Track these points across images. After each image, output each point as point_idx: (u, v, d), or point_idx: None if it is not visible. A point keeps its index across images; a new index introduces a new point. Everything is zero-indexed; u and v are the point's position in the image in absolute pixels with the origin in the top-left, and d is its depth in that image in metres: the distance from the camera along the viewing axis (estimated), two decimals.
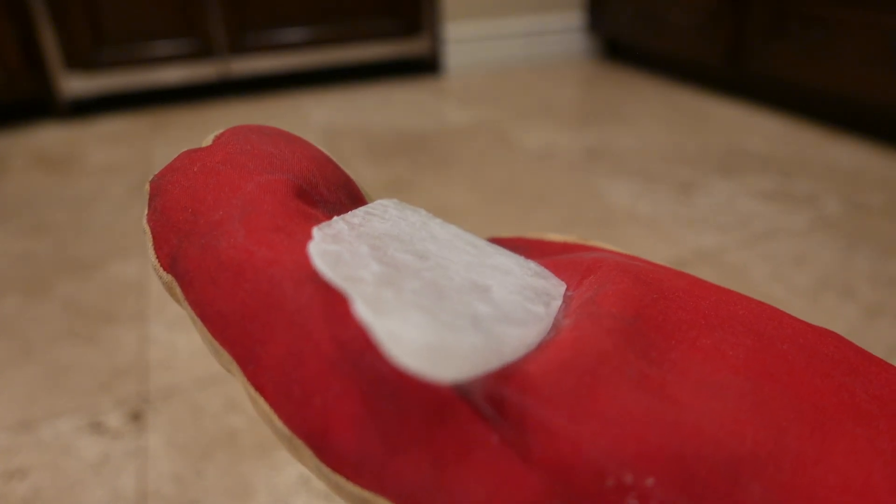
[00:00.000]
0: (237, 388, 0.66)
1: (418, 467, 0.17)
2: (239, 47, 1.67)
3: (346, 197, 0.26)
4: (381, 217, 0.22)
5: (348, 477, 0.18)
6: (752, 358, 0.19)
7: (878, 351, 0.68)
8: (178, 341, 0.73)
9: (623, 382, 0.17)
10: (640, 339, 0.19)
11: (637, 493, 0.15)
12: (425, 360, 0.15)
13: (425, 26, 1.82)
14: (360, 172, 1.20)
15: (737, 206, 1.01)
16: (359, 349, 0.18)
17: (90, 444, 0.59)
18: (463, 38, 1.90)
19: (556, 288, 0.22)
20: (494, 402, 0.17)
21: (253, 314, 0.19)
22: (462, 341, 0.16)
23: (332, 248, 0.18)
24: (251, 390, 0.19)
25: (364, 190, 0.28)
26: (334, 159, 0.27)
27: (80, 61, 1.54)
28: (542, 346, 0.18)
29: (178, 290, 0.22)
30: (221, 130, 0.26)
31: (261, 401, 0.19)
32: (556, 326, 0.20)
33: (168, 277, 0.22)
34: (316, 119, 1.52)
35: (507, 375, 0.17)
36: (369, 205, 0.24)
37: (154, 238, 0.23)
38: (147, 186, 0.24)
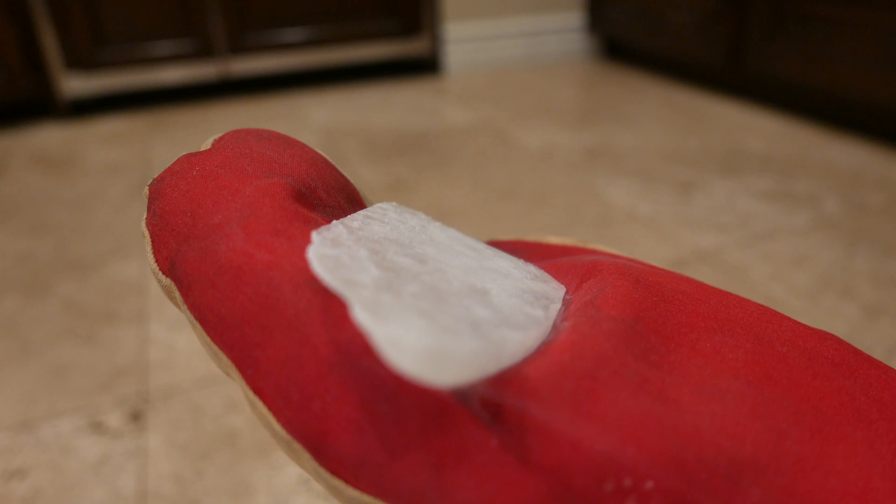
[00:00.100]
0: (237, 388, 0.66)
1: (417, 471, 0.17)
2: (239, 47, 1.66)
3: (345, 200, 0.26)
4: (381, 221, 0.22)
5: (347, 481, 0.18)
6: (751, 361, 0.19)
7: (878, 351, 0.68)
8: (178, 341, 0.73)
9: (623, 385, 0.17)
10: (639, 342, 0.19)
11: (636, 497, 0.15)
12: (424, 364, 0.15)
13: (425, 26, 1.82)
14: (360, 172, 1.20)
15: (737, 206, 1.01)
16: (357, 353, 0.18)
17: (90, 444, 0.59)
18: (463, 38, 1.90)
19: (555, 291, 0.22)
20: (493, 405, 0.17)
21: (252, 318, 0.19)
22: (461, 345, 0.16)
23: (331, 252, 0.18)
24: (250, 394, 0.19)
25: (363, 193, 0.28)
26: (333, 162, 0.27)
27: (80, 61, 1.54)
28: (541, 350, 0.18)
29: (176, 294, 0.22)
30: (220, 134, 0.26)
31: (259, 404, 0.19)
32: (555, 329, 0.20)
33: (167, 281, 0.22)
34: (316, 119, 1.52)
35: (505, 379, 0.17)
36: (368, 208, 0.24)
37: (153, 241, 0.23)
38: (146, 190, 0.24)
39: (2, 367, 0.70)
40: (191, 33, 1.62)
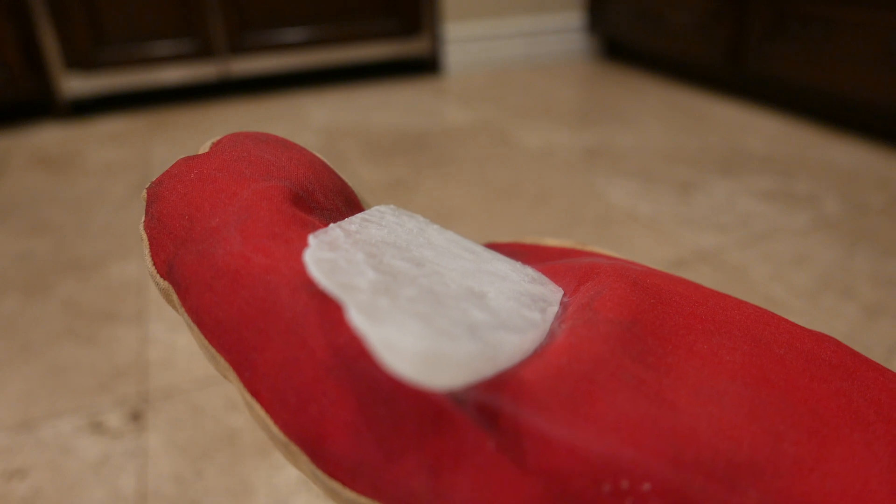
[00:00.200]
0: (236, 390, 0.66)
1: (414, 473, 0.17)
2: (239, 47, 1.67)
3: (343, 203, 0.26)
4: (378, 224, 0.22)
5: (344, 483, 0.18)
6: (749, 363, 0.19)
7: (878, 351, 0.68)
8: (178, 341, 0.73)
9: (620, 387, 0.17)
10: (637, 344, 0.19)
11: (634, 498, 0.15)
12: (420, 368, 0.15)
13: (425, 26, 1.82)
14: (359, 172, 1.20)
15: (737, 206, 1.01)
16: (354, 356, 0.18)
17: (90, 444, 0.60)
18: (463, 38, 1.90)
19: (553, 294, 0.22)
20: (489, 408, 0.17)
21: (249, 321, 0.19)
22: (457, 349, 0.16)
23: (328, 255, 0.18)
24: (247, 396, 0.19)
25: (361, 196, 0.28)
26: (331, 164, 0.27)
27: (80, 61, 1.54)
28: (538, 353, 0.18)
29: (174, 297, 0.22)
30: (218, 137, 0.26)
31: (257, 407, 0.19)
32: (552, 332, 0.20)
33: (165, 284, 0.22)
34: (316, 119, 1.52)
35: (502, 382, 0.17)
36: (366, 211, 0.24)
37: (151, 244, 0.23)
38: (144, 193, 0.24)
39: (2, 367, 0.70)
40: (191, 33, 1.62)
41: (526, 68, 1.93)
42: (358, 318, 0.15)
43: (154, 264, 0.22)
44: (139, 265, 0.91)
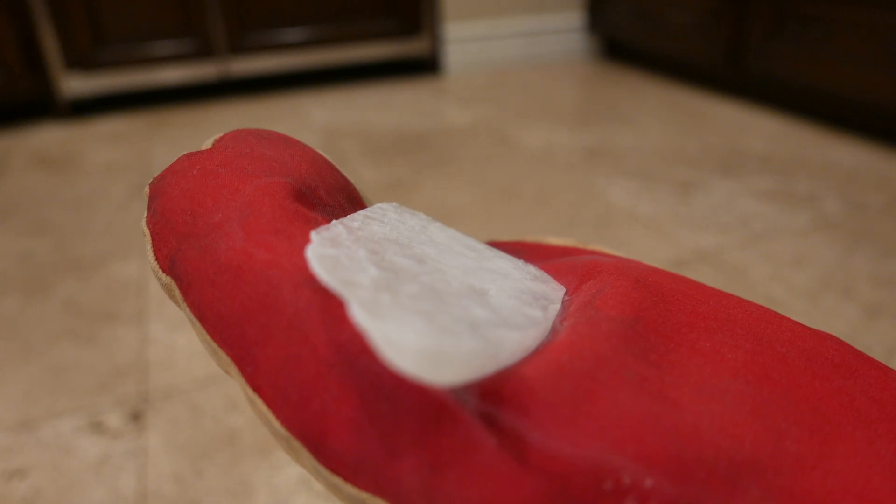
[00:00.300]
0: (237, 388, 0.66)
1: (416, 470, 0.17)
2: (239, 47, 1.67)
3: (345, 200, 0.26)
4: (380, 221, 0.22)
5: (346, 478, 0.18)
6: (751, 361, 0.19)
7: (878, 351, 0.68)
8: (178, 341, 0.73)
9: (622, 385, 0.17)
10: (639, 342, 0.19)
11: (635, 495, 0.15)
12: (422, 364, 0.15)
13: (425, 26, 1.82)
14: (360, 172, 1.20)
15: (737, 206, 1.01)
16: (356, 352, 0.18)
17: (90, 444, 0.59)
18: (463, 38, 1.90)
19: (554, 292, 0.22)
20: (491, 406, 0.17)
21: (251, 316, 0.19)
22: (459, 346, 0.16)
23: (330, 252, 0.18)
24: (249, 392, 0.20)
25: (363, 193, 0.28)
26: (333, 162, 0.27)
27: (80, 61, 1.54)
28: (540, 350, 0.18)
29: (176, 292, 0.22)
30: (221, 134, 0.26)
31: (259, 402, 0.19)
32: (554, 330, 0.20)
33: (167, 279, 0.22)
34: (316, 119, 1.52)
35: (504, 379, 0.17)
36: (368, 208, 0.24)
37: (153, 240, 0.23)
38: (146, 189, 0.24)
39: (2, 367, 0.70)
40: (191, 33, 1.62)
41: (526, 68, 1.93)
42: (360, 315, 0.15)
43: (156, 259, 0.22)
44: (139, 265, 0.91)
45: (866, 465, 0.17)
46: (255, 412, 0.20)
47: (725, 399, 0.18)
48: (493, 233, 0.95)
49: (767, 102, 1.49)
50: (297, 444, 0.19)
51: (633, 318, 0.20)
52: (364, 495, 0.18)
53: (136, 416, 0.63)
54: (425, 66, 1.97)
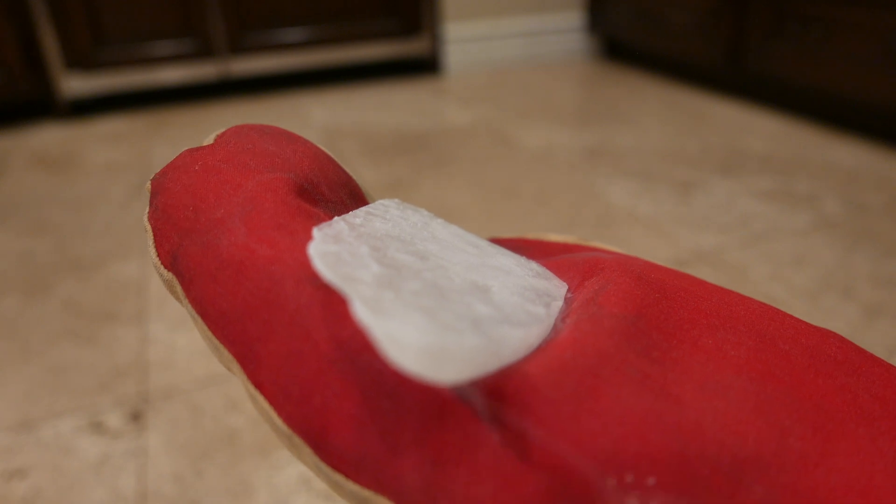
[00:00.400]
0: (237, 388, 0.66)
1: (418, 467, 0.17)
2: (239, 47, 1.67)
3: (348, 196, 0.26)
4: (383, 217, 0.22)
5: (348, 475, 0.18)
6: (754, 358, 0.19)
7: (878, 351, 0.67)
8: (178, 341, 0.73)
9: (624, 382, 0.17)
10: (641, 339, 0.19)
11: (638, 493, 0.15)
12: (424, 362, 0.15)
13: (425, 26, 1.82)
14: (360, 172, 1.20)
15: (737, 206, 1.01)
16: (357, 348, 0.18)
17: (90, 444, 0.59)
18: (463, 38, 1.90)
19: (557, 289, 0.22)
20: (494, 403, 0.17)
21: (253, 312, 0.19)
22: (461, 343, 0.16)
23: (333, 248, 0.18)
24: (251, 388, 0.19)
25: (365, 189, 0.28)
26: (335, 159, 0.27)
27: (80, 61, 1.54)
28: (542, 347, 0.18)
29: (178, 288, 0.22)
30: (223, 129, 0.26)
31: (260, 399, 0.19)
32: (556, 327, 0.20)
33: (169, 275, 0.22)
34: (316, 119, 1.52)
35: (506, 376, 0.17)
36: (370, 205, 0.24)
37: (155, 236, 0.23)
38: (148, 184, 0.24)
39: (2, 367, 0.70)
40: (191, 33, 1.62)
41: (526, 68, 1.93)
42: (362, 312, 0.15)
43: (158, 255, 0.22)
44: (139, 265, 0.90)
45: (869, 462, 0.17)
46: (256, 409, 0.20)
47: (728, 396, 0.17)
48: (493, 232, 0.95)
49: (767, 102, 1.49)
50: (298, 440, 0.19)
51: (636, 314, 0.20)
52: (366, 492, 0.18)
53: (136, 416, 0.63)
54: (425, 66, 1.97)
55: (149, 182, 0.24)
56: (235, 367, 0.20)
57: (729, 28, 1.44)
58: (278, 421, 0.19)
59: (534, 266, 0.24)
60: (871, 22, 1.14)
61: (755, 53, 1.39)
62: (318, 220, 0.22)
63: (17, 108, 1.63)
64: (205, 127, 1.50)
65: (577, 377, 0.17)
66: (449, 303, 0.18)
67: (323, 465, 0.18)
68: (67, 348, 0.73)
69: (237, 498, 0.53)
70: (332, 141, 1.37)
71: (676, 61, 1.75)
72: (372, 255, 0.19)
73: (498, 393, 0.17)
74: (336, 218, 0.21)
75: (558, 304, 0.21)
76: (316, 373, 0.18)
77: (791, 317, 0.21)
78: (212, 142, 0.25)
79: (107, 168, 1.28)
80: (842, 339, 0.21)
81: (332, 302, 0.19)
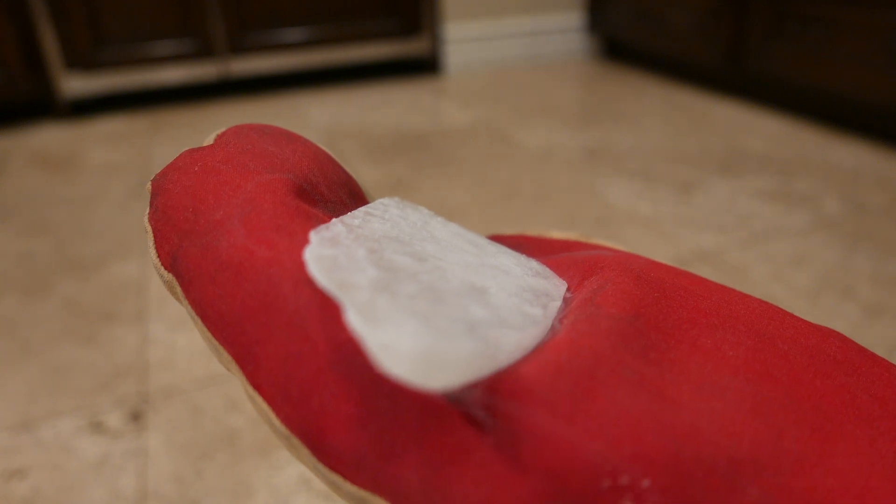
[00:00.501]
0: (237, 388, 0.66)
1: (415, 468, 0.17)
2: (239, 47, 1.67)
3: (347, 195, 0.26)
4: (382, 217, 0.22)
5: (345, 476, 0.18)
6: (752, 358, 0.19)
7: (878, 351, 0.67)
8: (178, 341, 0.73)
9: (620, 384, 0.17)
10: (639, 340, 0.19)
11: (633, 495, 0.15)
12: (416, 369, 0.15)
13: (425, 26, 1.82)
14: (359, 172, 1.20)
15: (737, 206, 1.01)
16: (355, 350, 0.18)
17: (90, 444, 0.59)
18: (463, 38, 1.90)
19: (556, 288, 0.22)
20: (488, 406, 0.17)
21: (252, 314, 0.20)
22: (455, 348, 0.16)
23: (329, 252, 0.18)
24: (250, 389, 0.20)
25: (365, 188, 0.28)
26: (335, 158, 0.27)
27: (80, 61, 1.54)
28: (538, 349, 0.18)
29: (178, 289, 0.22)
30: (223, 129, 0.26)
31: (259, 400, 0.19)
32: (554, 328, 0.20)
33: (169, 276, 0.22)
34: (316, 119, 1.52)
35: (501, 380, 0.17)
36: (370, 204, 0.24)
37: (155, 237, 0.23)
38: (149, 185, 0.24)
39: (2, 367, 0.70)
40: (191, 33, 1.62)
41: (526, 68, 1.93)
42: (356, 320, 0.15)
43: (158, 256, 0.22)
44: (139, 265, 0.91)
45: (867, 463, 0.17)
46: (255, 409, 0.20)
47: (725, 397, 0.17)
48: (494, 232, 0.95)
49: (767, 102, 1.49)
50: (296, 441, 0.19)
51: (634, 315, 0.20)
52: (363, 493, 0.18)
53: (136, 416, 0.63)
54: (425, 66, 1.97)
55: (149, 183, 0.24)
56: (234, 368, 0.20)
57: (729, 28, 1.44)
58: (277, 422, 0.19)
59: (533, 265, 0.24)
60: (871, 22, 1.14)
61: (755, 53, 1.39)
62: (317, 221, 0.22)
63: (17, 108, 1.63)
64: (205, 127, 1.50)
65: (573, 379, 0.17)
66: (445, 306, 0.18)
67: (321, 466, 0.18)
68: (67, 348, 0.73)
69: (237, 498, 0.53)
70: (332, 141, 1.37)
71: (676, 61, 1.75)
72: (369, 258, 0.19)
73: (493, 395, 0.17)
74: (334, 220, 0.21)
75: (556, 304, 0.21)
76: (314, 374, 0.18)
77: (792, 315, 0.21)
78: (212, 142, 0.25)
79: (107, 168, 1.28)
80: (843, 339, 0.20)
81: (330, 304, 0.19)
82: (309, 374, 0.18)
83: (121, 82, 1.60)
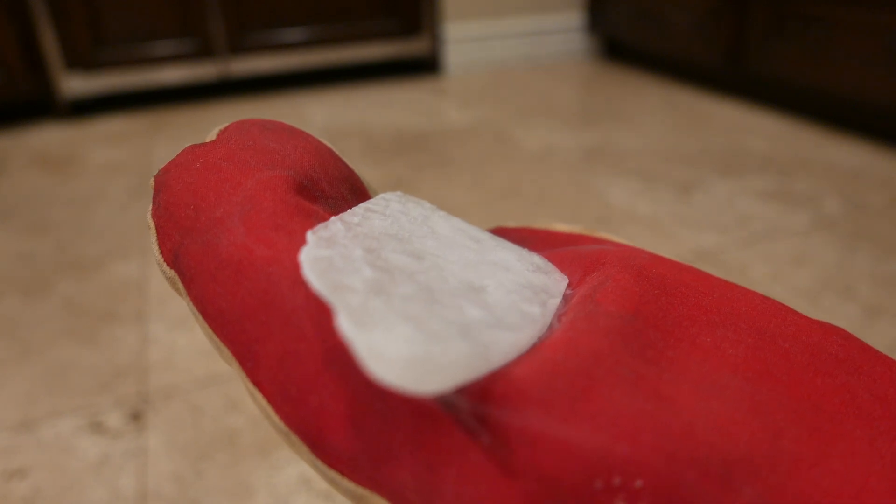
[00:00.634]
0: (237, 388, 0.66)
1: (411, 468, 0.17)
2: (239, 47, 1.67)
3: (349, 191, 0.26)
4: (382, 213, 0.22)
5: (344, 473, 0.18)
6: (752, 356, 0.19)
7: None
8: (178, 341, 0.73)
9: (617, 383, 0.17)
10: (637, 338, 0.19)
11: (625, 495, 0.15)
12: (406, 375, 0.15)
13: (425, 26, 1.82)
14: (360, 172, 1.20)
15: (737, 206, 1.01)
16: (348, 352, 0.18)
17: (90, 444, 0.59)
18: (463, 38, 1.90)
19: (556, 284, 0.22)
20: (482, 406, 0.17)
21: (251, 312, 0.20)
22: (448, 351, 0.16)
23: (325, 253, 0.18)
24: (250, 386, 0.20)
25: (367, 182, 0.28)
26: (337, 153, 0.27)
27: (80, 61, 1.54)
28: (535, 348, 0.18)
29: (180, 286, 0.22)
30: (226, 125, 0.26)
31: (259, 397, 0.19)
32: (552, 326, 0.20)
33: (171, 273, 0.22)
34: (316, 119, 1.52)
35: (494, 381, 0.17)
36: (371, 200, 0.24)
37: (158, 233, 0.23)
38: (152, 181, 0.24)
39: (2, 367, 0.70)
40: (191, 33, 1.62)
41: (526, 68, 1.93)
42: (346, 325, 0.15)
43: (161, 252, 0.23)
44: (139, 265, 0.91)
45: (866, 463, 0.17)
46: (256, 405, 0.20)
47: (724, 396, 0.17)
48: None
49: (767, 102, 1.49)
50: (296, 439, 0.19)
51: (633, 313, 0.20)
52: (361, 491, 0.18)
53: (136, 416, 0.63)
54: (425, 66, 1.97)
55: (152, 178, 0.24)
56: (235, 365, 0.20)
57: (729, 28, 1.44)
58: (276, 419, 0.19)
59: (535, 259, 0.23)
60: (871, 22, 1.14)
61: (755, 53, 1.39)
62: (318, 219, 0.22)
63: (17, 108, 1.63)
64: (205, 127, 1.50)
65: (569, 378, 0.17)
66: (439, 307, 0.17)
67: (319, 463, 0.18)
68: (67, 348, 0.73)
69: (237, 498, 0.53)
70: (331, 141, 1.37)
71: (676, 61, 1.75)
72: (365, 258, 0.19)
73: (486, 396, 0.17)
74: (333, 218, 0.21)
75: (555, 301, 0.21)
76: (312, 373, 0.18)
77: (794, 312, 0.21)
78: (214, 137, 0.25)
79: (107, 168, 1.28)
80: (845, 336, 0.20)
81: (326, 305, 0.19)
82: (306, 373, 0.18)
83: (121, 82, 1.60)
